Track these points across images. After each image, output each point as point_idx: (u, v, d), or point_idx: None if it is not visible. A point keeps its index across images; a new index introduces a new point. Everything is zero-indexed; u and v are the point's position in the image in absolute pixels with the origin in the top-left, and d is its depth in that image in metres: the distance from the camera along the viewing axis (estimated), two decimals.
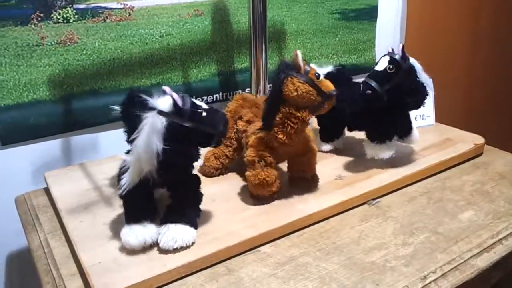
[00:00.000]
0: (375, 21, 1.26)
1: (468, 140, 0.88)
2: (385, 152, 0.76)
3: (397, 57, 0.72)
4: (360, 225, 0.68)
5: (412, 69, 0.73)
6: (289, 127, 0.63)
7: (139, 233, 0.59)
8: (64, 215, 0.70)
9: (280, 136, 0.64)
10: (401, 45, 0.73)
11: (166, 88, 0.56)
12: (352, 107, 0.76)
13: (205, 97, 1.04)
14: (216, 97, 1.06)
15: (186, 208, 0.62)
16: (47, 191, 0.82)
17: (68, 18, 0.87)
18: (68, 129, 0.92)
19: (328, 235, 0.65)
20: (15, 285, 0.96)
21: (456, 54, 1.43)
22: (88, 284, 0.56)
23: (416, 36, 1.31)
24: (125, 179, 0.57)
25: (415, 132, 0.82)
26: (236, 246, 0.61)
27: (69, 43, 0.88)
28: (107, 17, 0.90)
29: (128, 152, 0.59)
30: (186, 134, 0.56)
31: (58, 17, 0.86)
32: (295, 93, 0.61)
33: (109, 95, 0.94)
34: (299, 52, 0.62)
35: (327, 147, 0.87)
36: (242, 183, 0.77)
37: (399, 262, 0.59)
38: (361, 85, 0.73)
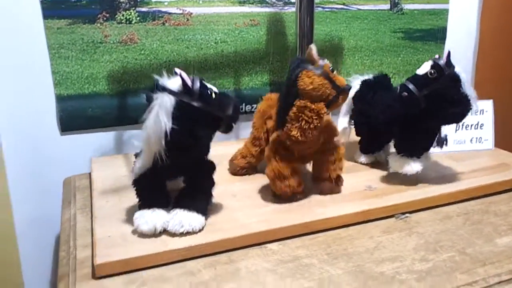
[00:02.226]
0: (444, 43, 1.20)
1: None
2: (410, 167, 0.70)
3: (440, 62, 0.68)
4: (380, 236, 0.63)
5: (456, 77, 0.68)
6: (304, 121, 0.61)
7: (149, 219, 0.60)
8: (95, 194, 0.74)
9: (294, 132, 0.62)
10: (447, 51, 0.69)
11: (177, 69, 0.58)
12: (385, 113, 0.72)
13: (254, 105, 1.06)
14: None
15: (197, 194, 0.62)
16: (90, 175, 0.87)
17: (131, 19, 0.94)
18: (121, 122, 0.98)
19: (342, 242, 0.62)
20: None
21: None
22: (94, 254, 0.58)
23: (489, 60, 1.22)
24: (137, 164, 0.59)
25: (431, 154, 0.76)
26: (241, 238, 0.60)
27: (129, 43, 0.95)
28: (166, 21, 0.96)
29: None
30: (194, 114, 0.56)
31: (122, 18, 0.93)
32: (311, 86, 0.60)
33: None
34: (313, 46, 0.61)
35: (364, 159, 0.83)
36: (267, 183, 0.75)
37: (411, 276, 0.54)
38: (398, 87, 0.69)
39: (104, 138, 0.98)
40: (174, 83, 0.56)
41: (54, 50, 0.90)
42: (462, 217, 0.68)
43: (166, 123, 0.54)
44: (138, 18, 0.94)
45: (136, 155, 0.63)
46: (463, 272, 0.55)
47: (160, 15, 0.95)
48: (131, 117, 0.98)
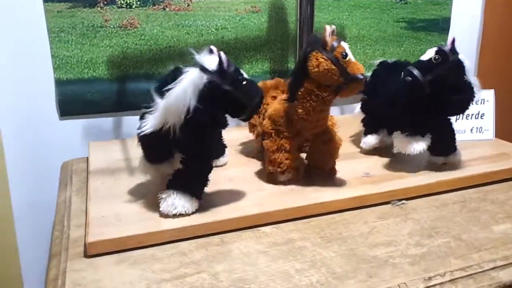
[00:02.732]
0: (447, 33, 1.19)
1: None
2: (413, 147, 0.70)
3: (445, 48, 0.67)
4: (375, 221, 0.62)
5: (460, 64, 0.68)
6: (309, 104, 0.62)
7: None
8: (91, 176, 0.74)
9: (300, 110, 0.63)
10: (452, 37, 0.68)
11: (214, 48, 0.57)
12: (393, 98, 0.71)
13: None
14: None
15: (192, 176, 0.62)
16: (88, 158, 0.87)
17: (131, 4, 0.93)
18: (120, 108, 0.98)
19: (337, 226, 0.61)
20: None
21: None
22: (86, 233, 0.58)
23: (492, 51, 1.20)
24: (149, 120, 0.57)
25: (458, 152, 0.75)
26: (234, 220, 0.60)
27: (129, 28, 0.94)
28: (166, 6, 0.96)
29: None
30: (222, 97, 0.55)
31: (122, 2, 0.93)
32: (316, 69, 0.59)
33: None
34: (328, 27, 0.59)
35: (369, 140, 0.81)
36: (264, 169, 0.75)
37: (405, 260, 0.54)
38: (402, 73, 0.68)
39: (102, 123, 0.97)
40: (210, 61, 0.55)
41: (54, 33, 0.90)
42: (459, 205, 0.67)
43: (192, 100, 0.54)
44: (138, 3, 0.94)
45: (147, 110, 0.60)
46: (458, 257, 0.54)
47: (161, 0, 0.95)
48: (130, 102, 0.98)
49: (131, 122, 0.99)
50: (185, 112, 0.54)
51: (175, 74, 0.58)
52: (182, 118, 0.55)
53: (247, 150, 0.84)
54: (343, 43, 0.61)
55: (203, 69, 0.55)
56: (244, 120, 0.60)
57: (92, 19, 0.92)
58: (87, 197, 0.70)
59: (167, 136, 0.57)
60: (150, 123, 0.57)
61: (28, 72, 0.90)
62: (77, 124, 0.96)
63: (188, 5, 0.97)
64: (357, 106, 0.85)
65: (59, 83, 0.92)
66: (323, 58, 0.60)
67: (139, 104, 0.95)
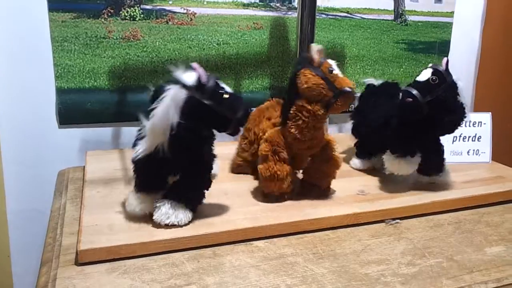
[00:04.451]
0: (446, 56, 1.20)
1: None
2: (405, 168, 0.70)
3: (441, 69, 0.68)
4: (368, 239, 0.62)
5: (455, 85, 0.68)
6: (301, 121, 0.62)
7: (139, 201, 0.61)
8: (87, 185, 0.74)
9: (293, 130, 0.63)
10: (445, 59, 0.69)
11: (195, 64, 0.57)
12: (389, 122, 0.72)
13: (253, 109, 1.06)
14: None
15: (189, 189, 0.62)
16: (85, 167, 0.87)
17: (135, 16, 0.95)
18: (119, 118, 0.98)
19: (330, 243, 0.61)
20: None
21: None
22: (78, 240, 0.58)
23: (489, 74, 1.22)
24: (141, 145, 0.58)
25: (447, 172, 0.75)
26: (226, 233, 0.60)
27: (132, 39, 0.95)
28: (169, 20, 0.97)
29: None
30: (204, 111, 0.56)
31: (126, 14, 0.94)
32: (306, 85, 0.60)
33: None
34: (314, 45, 0.61)
35: (359, 163, 0.82)
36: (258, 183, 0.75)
37: (396, 279, 0.53)
38: (400, 94, 0.68)
39: (101, 133, 0.98)
40: (189, 77, 0.56)
41: (57, 43, 0.91)
42: (453, 226, 0.67)
43: (174, 116, 0.54)
44: (142, 15, 0.95)
45: (139, 135, 0.61)
46: (449, 278, 0.54)
47: (164, 13, 0.96)
48: (129, 113, 0.98)
49: (129, 132, 1.00)
50: (169, 130, 0.55)
51: (157, 94, 0.58)
52: (168, 136, 0.55)
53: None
54: (329, 60, 0.62)
55: (183, 85, 0.55)
56: (231, 135, 0.60)
57: (95, 30, 0.93)
58: (81, 205, 0.71)
59: (160, 160, 0.58)
60: (142, 147, 0.58)
61: (30, 80, 0.91)
62: (76, 133, 0.96)
63: (191, 20, 0.98)
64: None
65: (60, 91, 0.93)
66: (311, 74, 0.61)
67: (139, 115, 0.98)
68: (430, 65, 0.69)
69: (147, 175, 0.62)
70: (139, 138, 0.60)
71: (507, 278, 0.54)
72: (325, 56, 0.62)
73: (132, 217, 0.62)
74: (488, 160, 0.88)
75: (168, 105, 0.54)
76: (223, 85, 0.58)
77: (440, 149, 0.73)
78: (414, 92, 0.67)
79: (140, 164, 0.61)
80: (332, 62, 0.62)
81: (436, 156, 0.73)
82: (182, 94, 0.55)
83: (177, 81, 0.56)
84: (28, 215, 0.96)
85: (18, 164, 0.93)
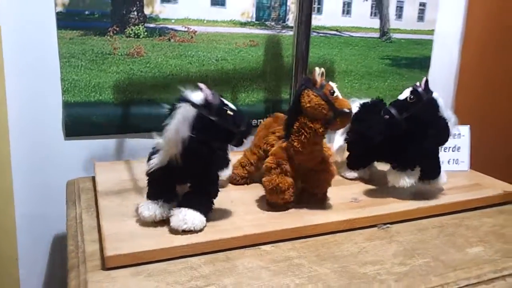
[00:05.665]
0: (427, 71, 1.29)
1: (498, 188, 0.87)
2: (405, 180, 0.78)
3: (419, 89, 0.76)
4: (363, 243, 0.69)
5: (433, 102, 0.76)
6: (303, 136, 0.69)
7: (151, 208, 0.67)
8: (100, 195, 0.79)
9: (295, 143, 0.70)
10: (424, 79, 0.77)
11: (202, 85, 0.64)
12: (373, 133, 0.79)
13: (252, 121, 1.12)
14: (260, 121, 1.13)
15: (201, 197, 0.68)
16: (93, 179, 0.92)
17: (139, 34, 1.00)
18: (123, 130, 1.04)
19: (330, 246, 0.68)
20: (56, 265, 1.06)
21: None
22: (102, 248, 0.63)
23: (468, 88, 1.31)
24: (155, 160, 0.65)
25: (443, 176, 0.83)
26: (237, 239, 0.66)
27: (136, 56, 1.01)
28: (171, 37, 1.03)
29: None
30: (211, 126, 0.63)
31: (131, 32, 0.99)
32: (308, 105, 0.67)
33: (163, 106, 1.04)
34: (317, 69, 0.68)
35: (351, 174, 0.90)
36: (263, 192, 0.82)
37: (390, 277, 0.60)
38: (382, 111, 0.76)
39: (105, 144, 1.03)
40: (197, 96, 0.63)
41: (65, 59, 0.96)
42: (437, 229, 0.75)
43: (185, 131, 0.61)
44: (146, 33, 1.01)
45: (153, 151, 0.67)
46: (437, 275, 0.61)
47: (166, 31, 1.02)
48: (133, 125, 1.04)
49: (133, 144, 1.05)
50: (181, 143, 0.61)
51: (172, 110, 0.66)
52: (180, 148, 0.62)
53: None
54: (330, 83, 0.70)
55: (192, 103, 0.62)
56: (235, 146, 0.67)
57: (101, 47, 0.98)
58: (97, 214, 0.76)
59: (172, 171, 0.64)
60: (156, 161, 0.65)
61: (38, 94, 0.96)
62: (81, 145, 1.01)
63: (192, 37, 1.04)
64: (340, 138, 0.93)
65: (66, 105, 0.98)
66: (313, 95, 0.68)
67: (142, 127, 1.03)
68: (413, 84, 0.77)
69: (159, 185, 0.68)
70: (153, 153, 0.67)
71: (486, 275, 0.62)
72: (326, 79, 0.69)
73: (148, 225, 0.68)
74: (467, 169, 0.97)
75: (180, 121, 0.61)
76: (227, 102, 0.65)
77: (436, 156, 0.81)
78: (392, 110, 0.75)
79: (154, 176, 0.67)
80: (333, 85, 0.69)
81: (433, 163, 0.80)
82: (192, 111, 0.62)
83: (186, 99, 0.62)
84: (35, 220, 1.00)
85: (27, 172, 0.98)
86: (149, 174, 0.68)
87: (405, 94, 0.76)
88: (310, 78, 0.69)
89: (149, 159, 0.67)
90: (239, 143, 0.67)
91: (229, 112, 0.64)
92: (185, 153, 0.63)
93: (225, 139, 0.66)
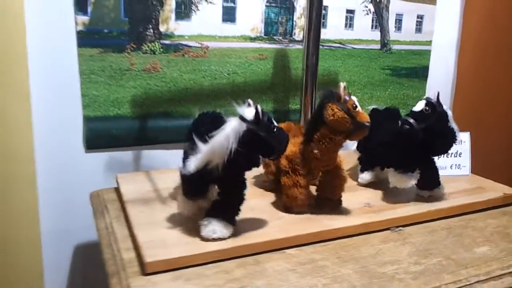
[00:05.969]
0: (426, 80, 1.36)
1: (499, 190, 0.93)
2: (406, 182, 0.84)
3: (433, 101, 0.82)
4: (379, 245, 0.75)
5: (445, 114, 0.82)
6: (324, 146, 0.75)
7: (189, 204, 0.74)
8: (128, 205, 0.84)
9: (316, 151, 0.76)
10: (437, 92, 0.83)
11: (251, 101, 0.69)
12: (389, 141, 0.85)
13: None
14: None
15: (229, 206, 0.73)
16: (116, 190, 0.97)
17: (155, 50, 1.05)
18: (141, 143, 1.08)
19: (349, 249, 0.73)
20: (77, 276, 1.10)
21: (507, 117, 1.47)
22: (139, 255, 0.68)
23: (465, 96, 1.38)
24: (192, 162, 0.69)
25: (442, 186, 0.89)
26: (264, 243, 0.71)
27: (152, 71, 1.06)
28: (186, 53, 1.08)
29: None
30: (258, 142, 0.68)
31: (147, 49, 1.04)
32: (332, 118, 0.72)
33: (179, 118, 1.10)
34: (342, 84, 0.73)
35: (365, 176, 0.94)
36: (277, 199, 0.87)
37: (408, 276, 0.66)
38: (399, 122, 0.82)
39: (125, 156, 1.08)
40: (248, 112, 0.67)
41: (85, 75, 1.01)
42: (446, 231, 0.81)
43: (233, 143, 0.66)
44: (161, 50, 1.06)
45: (189, 154, 0.71)
46: (449, 273, 0.67)
47: (181, 47, 1.07)
48: (150, 138, 1.08)
49: (150, 155, 1.10)
50: (227, 154, 0.66)
51: (215, 121, 0.71)
52: (225, 159, 0.67)
53: (260, 184, 0.95)
54: (353, 97, 0.75)
55: (243, 119, 0.67)
56: (273, 160, 0.72)
57: (119, 63, 1.03)
58: (127, 223, 0.80)
59: (206, 174, 0.69)
60: (194, 164, 0.69)
61: (60, 109, 1.00)
62: (101, 157, 1.06)
63: (205, 52, 1.10)
64: (353, 145, 0.99)
65: (87, 119, 1.02)
66: (337, 108, 0.73)
67: (159, 139, 1.08)
68: (425, 97, 0.83)
69: (193, 184, 0.73)
70: (189, 155, 0.71)
71: (494, 271, 0.68)
72: (349, 93, 0.74)
73: (179, 233, 0.73)
74: (468, 173, 1.03)
75: (230, 133, 0.66)
76: (273, 120, 0.70)
77: (434, 167, 0.87)
78: (411, 121, 0.81)
79: (188, 176, 0.71)
80: (355, 99, 0.74)
81: (432, 173, 0.87)
82: (243, 126, 0.67)
83: (238, 115, 0.67)
84: (60, 233, 1.04)
85: (51, 187, 1.02)
86: (184, 176, 0.72)
87: (420, 106, 0.82)
88: (334, 92, 0.74)
89: (184, 155, 0.72)
90: (277, 158, 0.73)
91: (275, 129, 0.69)
92: (228, 164, 0.67)
93: (267, 153, 0.71)
